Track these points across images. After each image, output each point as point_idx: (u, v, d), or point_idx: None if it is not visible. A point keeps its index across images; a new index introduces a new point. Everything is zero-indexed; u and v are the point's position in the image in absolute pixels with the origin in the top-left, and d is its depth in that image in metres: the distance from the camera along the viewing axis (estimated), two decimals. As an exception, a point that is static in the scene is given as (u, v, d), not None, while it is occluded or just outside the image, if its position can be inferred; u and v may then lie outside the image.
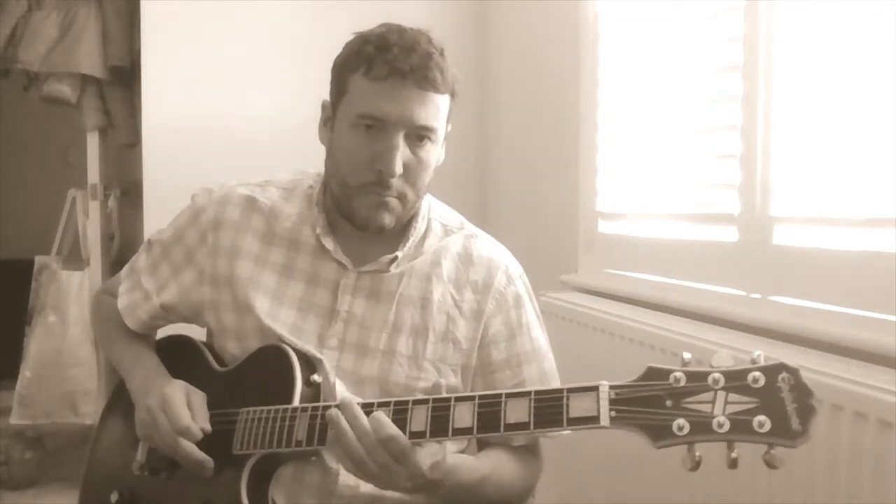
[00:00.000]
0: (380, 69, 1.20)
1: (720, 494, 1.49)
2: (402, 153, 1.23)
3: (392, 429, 1.08)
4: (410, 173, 1.25)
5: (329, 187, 1.33)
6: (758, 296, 1.65)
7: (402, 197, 1.27)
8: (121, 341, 1.47)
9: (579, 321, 2.03)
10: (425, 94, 1.22)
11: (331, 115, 1.30)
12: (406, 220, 1.33)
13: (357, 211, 1.27)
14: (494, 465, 1.29)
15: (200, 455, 1.24)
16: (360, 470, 1.11)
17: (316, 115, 1.34)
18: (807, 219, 1.57)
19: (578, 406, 1.00)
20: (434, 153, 1.28)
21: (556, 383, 1.35)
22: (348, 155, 1.25)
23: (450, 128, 1.31)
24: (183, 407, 1.26)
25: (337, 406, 1.13)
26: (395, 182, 1.24)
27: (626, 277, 2.11)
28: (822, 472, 1.29)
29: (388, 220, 1.27)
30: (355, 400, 1.14)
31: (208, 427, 1.26)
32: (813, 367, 1.31)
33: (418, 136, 1.24)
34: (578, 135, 2.30)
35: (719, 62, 1.77)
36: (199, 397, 1.29)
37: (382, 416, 1.09)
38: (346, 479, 1.26)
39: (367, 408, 1.14)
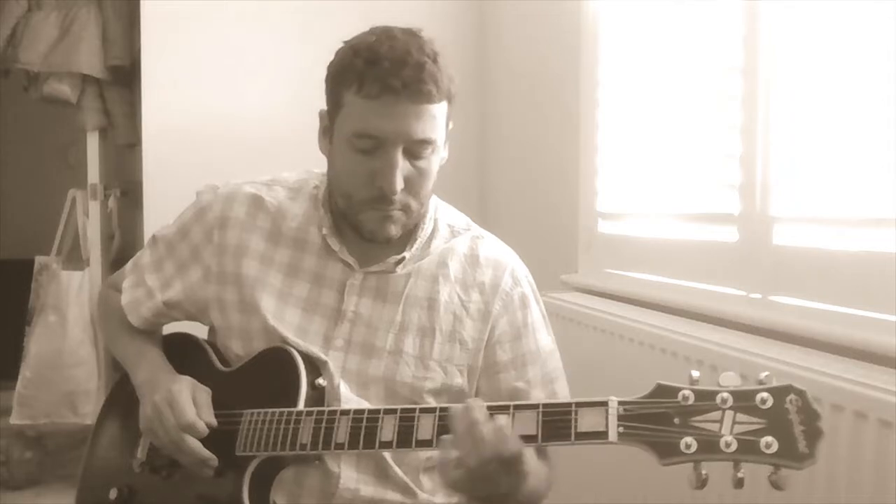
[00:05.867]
0: (371, 87, 1.18)
1: (719, 492, 1.49)
2: (401, 169, 1.21)
3: (515, 443, 1.01)
4: (412, 186, 1.24)
5: (334, 196, 1.32)
6: (758, 296, 1.65)
7: (406, 209, 1.26)
8: (125, 336, 1.47)
9: (579, 321, 2.03)
10: (420, 108, 1.20)
11: (328, 126, 1.29)
12: (413, 226, 1.32)
13: (363, 224, 1.27)
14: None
15: (205, 452, 1.24)
16: (467, 479, 1.02)
17: (316, 114, 1.34)
18: (807, 219, 1.57)
19: (587, 421, 1.00)
20: (435, 160, 1.28)
21: (560, 384, 1.36)
22: (348, 172, 1.25)
23: (451, 125, 1.30)
24: (189, 403, 1.26)
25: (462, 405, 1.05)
26: (398, 196, 1.23)
27: (626, 277, 2.11)
28: (822, 471, 1.28)
29: (394, 231, 1.27)
30: (361, 403, 1.10)
31: (214, 421, 1.26)
32: (813, 367, 1.32)
33: (417, 149, 1.22)
34: (578, 135, 2.30)
35: (719, 62, 1.77)
36: (205, 394, 1.29)
37: (506, 426, 1.02)
38: (347, 482, 1.27)
39: (374, 414, 1.14)
